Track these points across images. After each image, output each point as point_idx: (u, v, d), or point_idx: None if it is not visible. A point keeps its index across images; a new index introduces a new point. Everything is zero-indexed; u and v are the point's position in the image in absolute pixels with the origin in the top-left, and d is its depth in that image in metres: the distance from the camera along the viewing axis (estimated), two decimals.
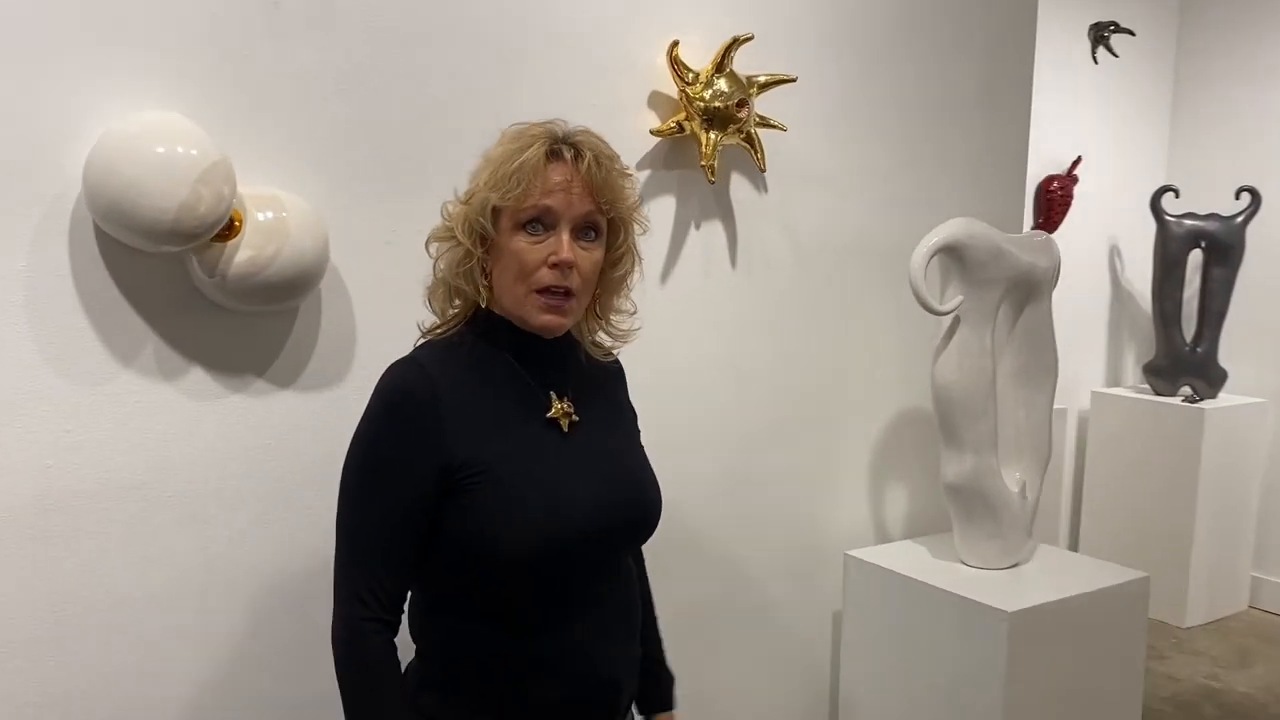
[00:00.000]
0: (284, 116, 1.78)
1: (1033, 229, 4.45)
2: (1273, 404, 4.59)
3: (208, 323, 1.74)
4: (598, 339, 1.54)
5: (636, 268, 1.52)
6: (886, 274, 2.53)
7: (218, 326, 1.75)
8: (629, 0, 2.12)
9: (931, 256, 2.22)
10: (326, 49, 1.80)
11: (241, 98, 1.74)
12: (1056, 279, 2.50)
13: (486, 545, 1.36)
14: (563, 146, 1.38)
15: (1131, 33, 4.49)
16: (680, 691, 1.74)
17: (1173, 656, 4.13)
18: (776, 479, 2.47)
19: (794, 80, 2.24)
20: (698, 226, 2.27)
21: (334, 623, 1.38)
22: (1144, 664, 2.51)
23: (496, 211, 1.37)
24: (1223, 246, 4.43)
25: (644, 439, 1.65)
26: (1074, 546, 4.78)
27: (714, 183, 2.17)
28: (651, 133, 2.12)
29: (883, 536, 2.69)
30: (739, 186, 2.32)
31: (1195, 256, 4.52)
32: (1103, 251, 4.80)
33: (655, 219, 2.17)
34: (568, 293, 1.40)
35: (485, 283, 1.42)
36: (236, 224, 1.65)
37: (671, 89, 2.14)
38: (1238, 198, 4.44)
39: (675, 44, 2.10)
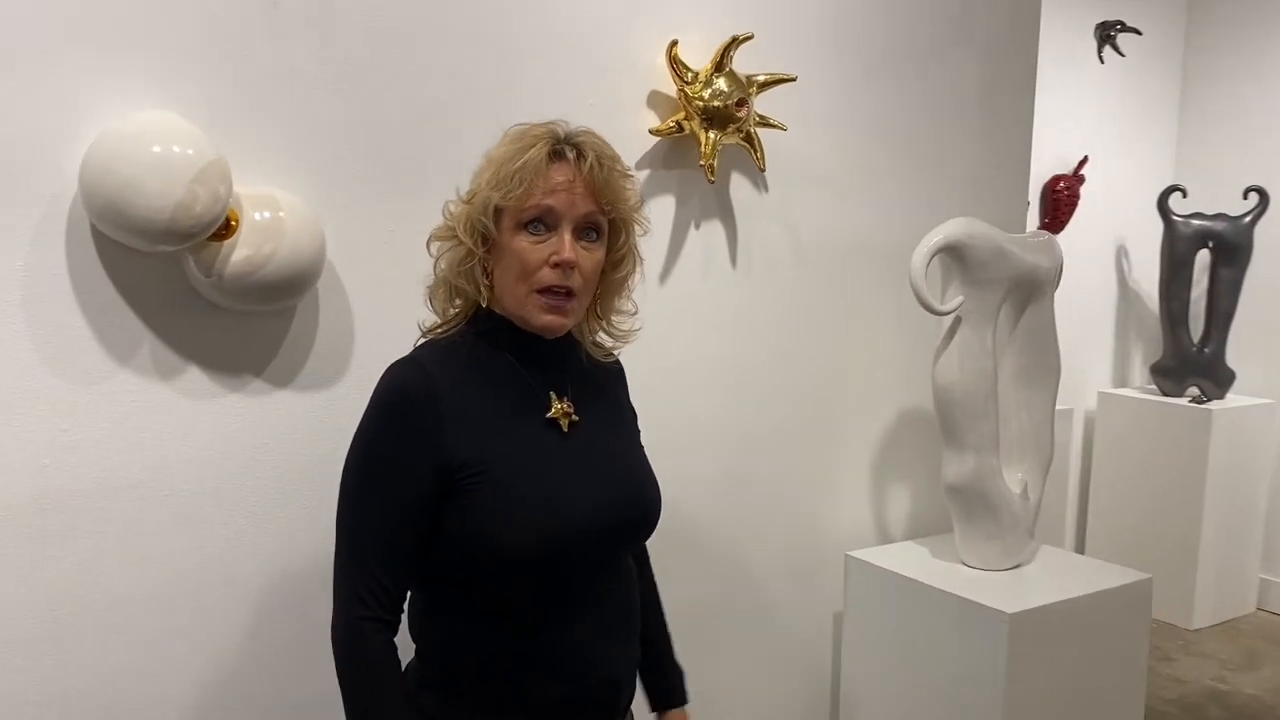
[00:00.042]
0: (283, 116, 1.78)
1: (1038, 229, 4.44)
2: None
3: (205, 322, 1.74)
4: (598, 339, 1.55)
5: (637, 268, 1.52)
6: (888, 274, 2.52)
7: (215, 326, 1.75)
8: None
9: (932, 256, 2.21)
10: (325, 48, 1.80)
11: (240, 97, 1.74)
12: (1059, 279, 2.48)
13: (486, 545, 1.36)
14: (565, 147, 1.39)
15: (1138, 31, 4.47)
16: (699, 704, 1.74)
17: (1180, 658, 4.11)
18: (777, 479, 2.47)
19: (794, 79, 2.23)
20: (698, 226, 2.26)
21: (334, 622, 1.38)
22: (1146, 666, 2.50)
23: (498, 211, 1.38)
24: (1230, 246, 4.42)
25: (645, 439, 1.65)
26: (1080, 547, 4.77)
27: (713, 182, 2.17)
28: (651, 132, 2.11)
29: (884, 537, 2.68)
30: (739, 186, 2.31)
31: (1203, 256, 4.50)
32: (1110, 252, 4.78)
33: (655, 219, 2.16)
34: (569, 293, 1.40)
35: (486, 282, 1.43)
36: (233, 223, 1.65)
37: (671, 88, 2.14)
38: (1245, 197, 4.42)
39: (674, 43, 2.09)
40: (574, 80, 2.07)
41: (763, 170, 2.26)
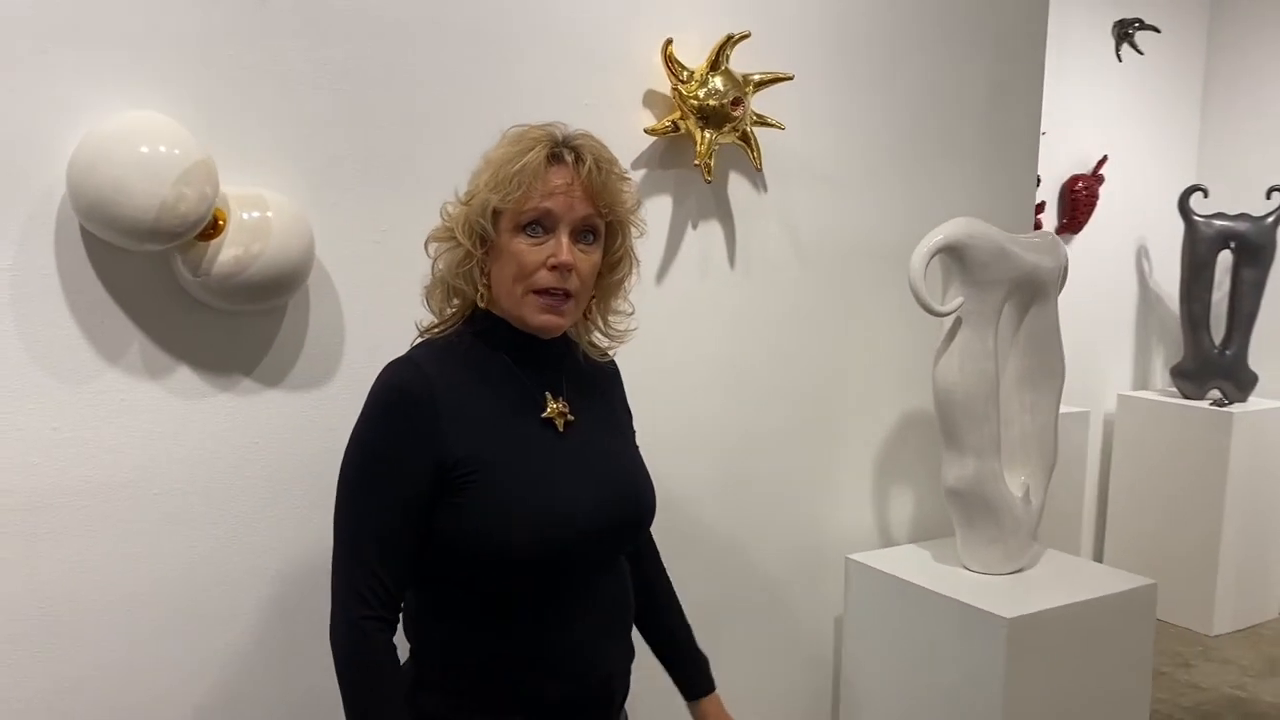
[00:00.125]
0: (274, 116, 1.78)
1: (1057, 229, 4.41)
2: None
3: (195, 322, 1.75)
4: (594, 339, 1.56)
5: (634, 270, 1.54)
6: (890, 274, 2.50)
7: (205, 325, 1.76)
8: None
9: (931, 257, 2.19)
10: (316, 47, 1.81)
11: (230, 97, 1.74)
12: (1064, 280, 2.45)
13: (481, 544, 1.37)
14: (563, 150, 1.40)
15: (1156, 29, 4.42)
16: (681, 698, 1.75)
17: (1199, 665, 4.06)
18: (777, 481, 2.45)
19: (790, 78, 2.22)
20: (695, 226, 2.25)
21: (333, 622, 1.38)
22: (1151, 673, 2.46)
23: (497, 213, 1.39)
24: (1253, 247, 4.37)
25: (644, 440, 1.65)
26: (1098, 551, 4.72)
27: (710, 182, 2.16)
28: (646, 131, 2.10)
29: (886, 540, 2.66)
30: (737, 186, 2.30)
31: (1225, 257, 4.46)
32: (1130, 252, 4.74)
33: (652, 218, 2.16)
34: (566, 294, 1.42)
35: (484, 283, 1.44)
36: (220, 223, 1.65)
37: (667, 87, 2.13)
38: (1269, 197, 4.37)
39: (669, 42, 2.08)
40: (570, 79, 2.06)
41: (759, 169, 2.25)
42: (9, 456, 1.63)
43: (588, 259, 1.43)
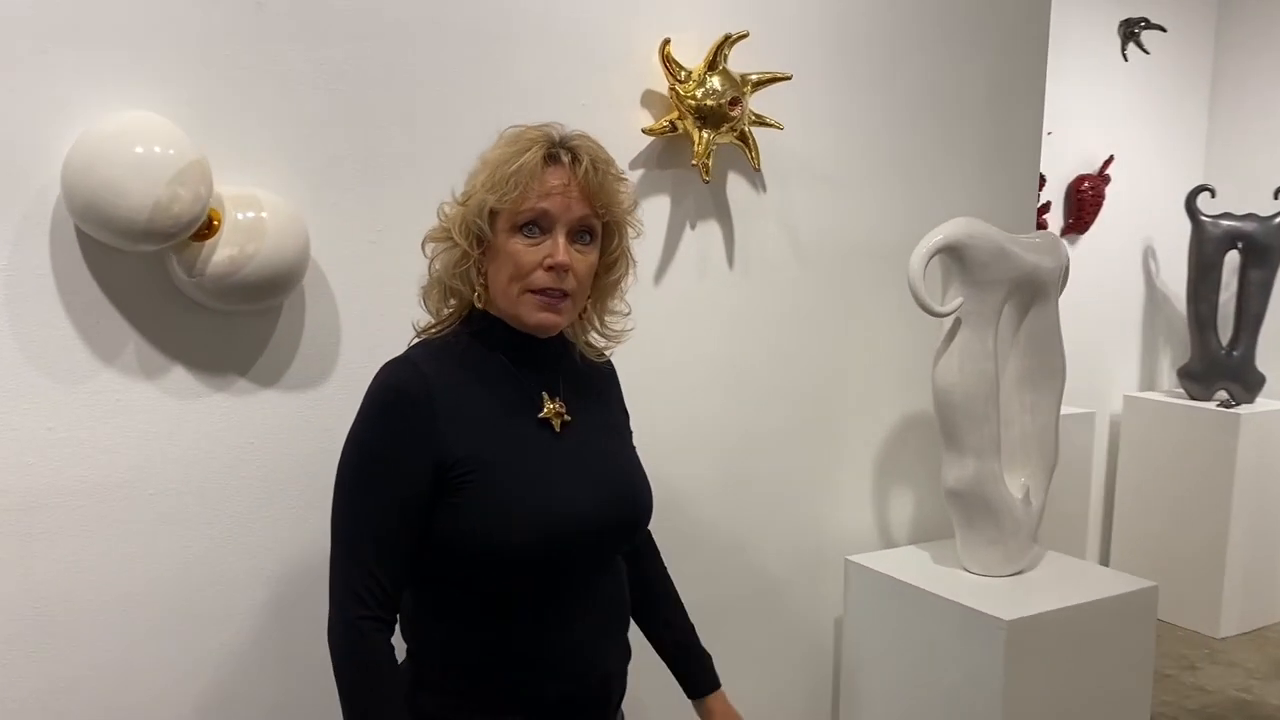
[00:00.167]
0: (270, 116, 1.78)
1: (1063, 229, 4.39)
2: None
3: (190, 322, 1.75)
4: (591, 339, 1.57)
5: (631, 271, 1.54)
6: (891, 274, 2.48)
7: (200, 325, 1.76)
8: None
9: (931, 257, 2.18)
10: (313, 47, 1.81)
11: (227, 98, 1.75)
12: (1065, 280, 2.44)
13: (478, 544, 1.37)
14: (560, 150, 1.41)
15: (1162, 28, 4.40)
16: (678, 698, 1.75)
17: (1204, 667, 4.04)
18: (777, 481, 2.45)
19: (789, 78, 2.21)
20: (693, 226, 2.24)
21: (331, 622, 1.38)
22: (1152, 676, 2.45)
23: (493, 213, 1.40)
24: (1260, 247, 4.35)
25: (642, 440, 1.65)
26: (1105, 553, 4.71)
27: (708, 182, 2.15)
28: (644, 131, 2.10)
29: (887, 541, 2.65)
30: (736, 186, 2.29)
31: (1232, 258, 4.44)
32: (1137, 253, 4.72)
33: (650, 218, 2.16)
34: (563, 294, 1.42)
35: (481, 283, 1.44)
36: (215, 223, 1.66)
37: (665, 87, 2.12)
38: (1276, 197, 4.34)
39: (666, 42, 2.08)
40: (568, 79, 2.06)
41: (757, 169, 2.24)
42: (4, 456, 1.63)
43: (584, 259, 1.43)
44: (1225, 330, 4.45)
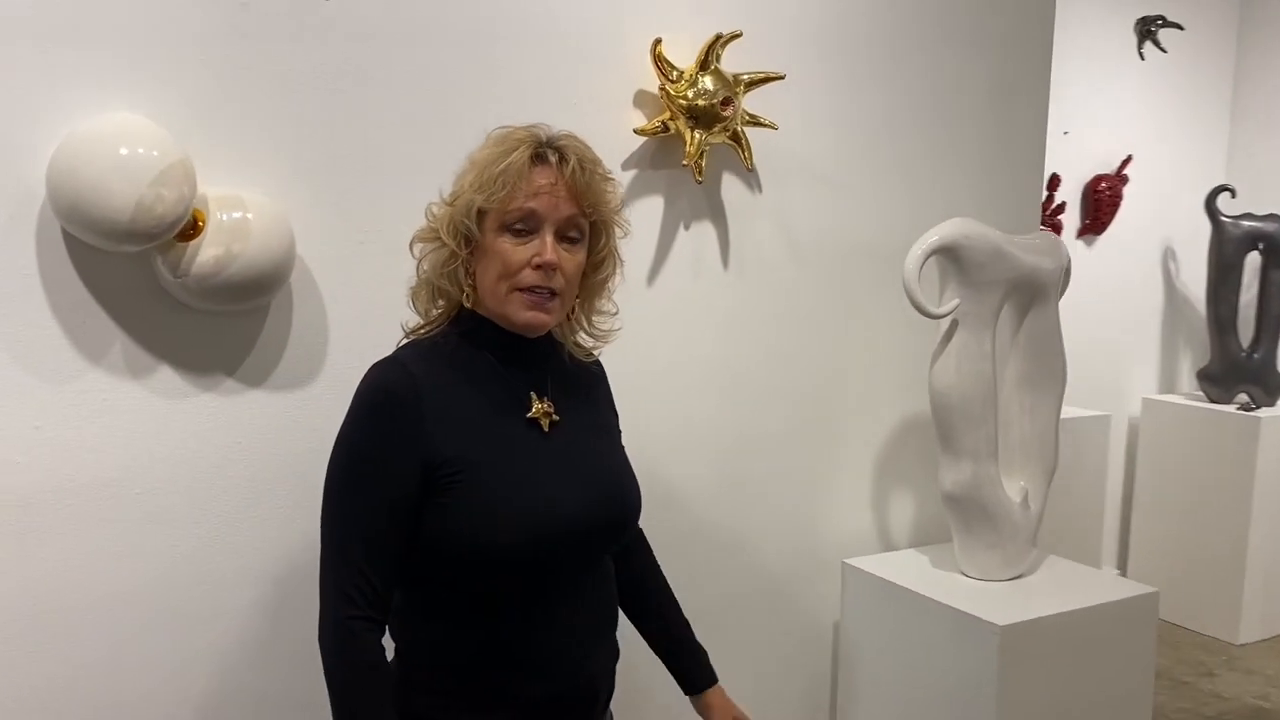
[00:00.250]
0: (258, 117, 1.79)
1: (1079, 230, 4.36)
2: None
3: (177, 321, 1.76)
4: (579, 340, 1.57)
5: (618, 270, 1.55)
6: (891, 274, 2.45)
7: (187, 325, 1.76)
8: None
9: (926, 258, 2.16)
10: (303, 49, 1.81)
11: (214, 99, 1.75)
12: (1066, 282, 2.41)
13: (465, 544, 1.38)
14: (548, 150, 1.42)
15: (1179, 26, 4.34)
16: (676, 700, 1.75)
17: (1222, 674, 3.99)
18: (775, 483, 2.43)
19: (782, 78, 2.19)
20: (687, 227, 2.23)
21: (321, 623, 1.39)
22: (1153, 682, 2.41)
23: (481, 213, 1.41)
24: None
25: (637, 441, 1.66)
26: (1122, 557, 4.66)
27: (701, 182, 2.14)
28: (636, 132, 2.09)
29: (886, 544, 2.62)
30: (731, 186, 2.28)
31: (1253, 259, 4.38)
32: (1156, 253, 4.67)
33: (643, 219, 2.16)
34: (551, 293, 1.43)
35: (469, 283, 1.45)
36: (200, 224, 1.67)
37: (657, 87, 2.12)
38: None
39: (658, 42, 2.07)
40: (559, 80, 2.05)
41: (749, 169, 2.22)
42: None
43: (572, 258, 1.44)
44: (1246, 332, 4.40)
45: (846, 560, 2.48)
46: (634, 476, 1.57)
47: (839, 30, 2.39)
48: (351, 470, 1.40)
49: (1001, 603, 2.22)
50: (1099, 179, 4.35)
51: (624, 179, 2.12)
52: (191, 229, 1.65)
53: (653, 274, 2.21)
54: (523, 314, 1.42)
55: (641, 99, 2.13)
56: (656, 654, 1.72)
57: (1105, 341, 4.45)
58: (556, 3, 2.04)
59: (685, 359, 2.27)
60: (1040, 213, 2.80)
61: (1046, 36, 2.72)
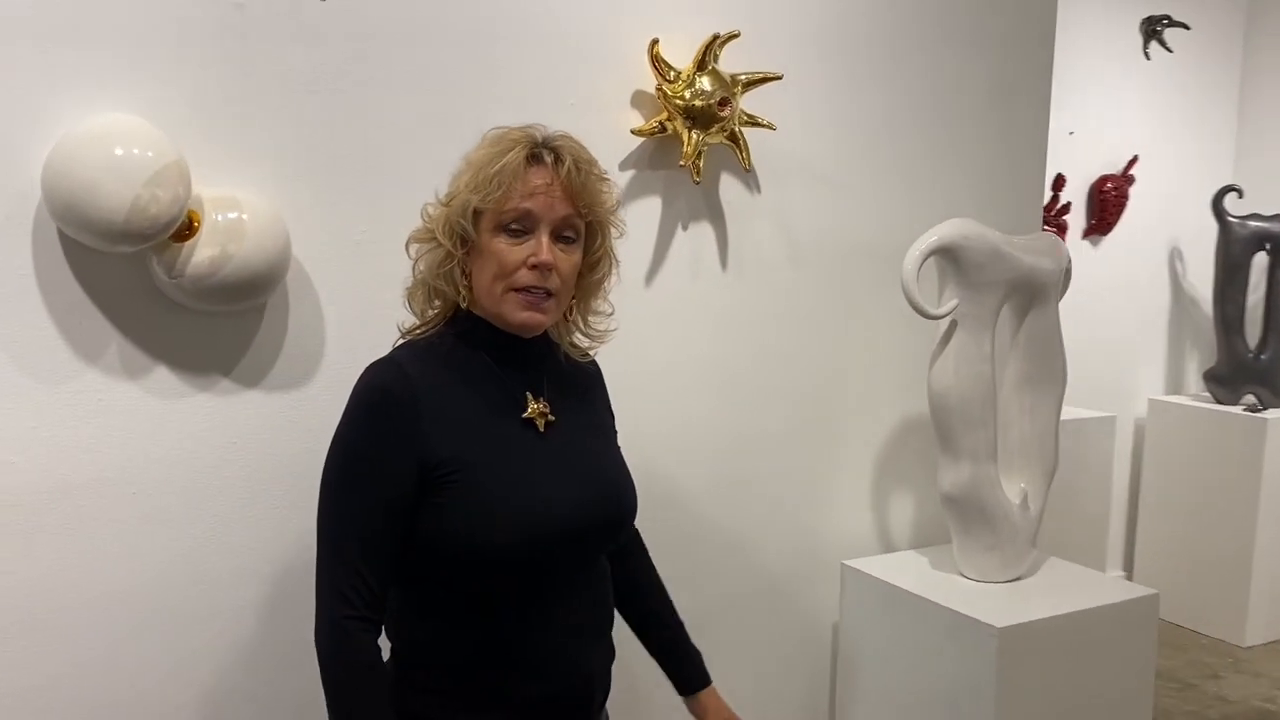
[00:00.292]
0: (257, 117, 1.79)
1: (1085, 230, 4.34)
2: None
3: (173, 322, 1.76)
4: (575, 340, 1.58)
5: (614, 270, 1.55)
6: (892, 275, 2.44)
7: (183, 326, 1.77)
8: None
9: (924, 259, 2.15)
10: (299, 50, 1.81)
11: (210, 100, 1.76)
12: (1066, 282, 2.40)
13: (461, 544, 1.38)
14: (543, 150, 1.42)
15: (1186, 26, 4.33)
16: (675, 701, 1.75)
17: (1228, 676, 3.97)
18: (774, 484, 2.42)
19: (779, 78, 2.19)
20: (685, 227, 2.23)
21: (317, 622, 1.39)
22: (1153, 684, 2.40)
23: (477, 213, 1.41)
24: None
25: (634, 442, 1.66)
26: (1128, 558, 4.63)
27: (698, 183, 2.14)
28: (633, 132, 2.09)
29: (886, 546, 2.61)
30: (729, 186, 2.27)
31: (1260, 259, 4.36)
32: (1163, 254, 4.65)
33: (641, 219, 2.16)
34: (547, 293, 1.43)
35: (465, 284, 1.45)
36: (195, 224, 1.67)
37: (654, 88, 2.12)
38: None
39: (655, 42, 2.07)
40: (557, 80, 2.05)
41: (747, 170, 2.22)
42: None
43: (568, 259, 1.44)
44: (1253, 333, 4.38)
45: (846, 561, 2.47)
46: (630, 476, 1.57)
47: (838, 30, 2.38)
48: (348, 470, 1.40)
49: (1000, 605, 2.21)
50: (1105, 179, 4.33)
51: (622, 179, 2.12)
52: (187, 229, 1.66)
53: (651, 274, 2.21)
54: (518, 314, 1.42)
55: (639, 99, 2.13)
56: (650, 654, 1.72)
57: (1111, 342, 4.43)
58: (556, 3, 2.04)
59: (684, 359, 2.27)
60: (1042, 213, 2.79)
61: (1048, 36, 2.71)
